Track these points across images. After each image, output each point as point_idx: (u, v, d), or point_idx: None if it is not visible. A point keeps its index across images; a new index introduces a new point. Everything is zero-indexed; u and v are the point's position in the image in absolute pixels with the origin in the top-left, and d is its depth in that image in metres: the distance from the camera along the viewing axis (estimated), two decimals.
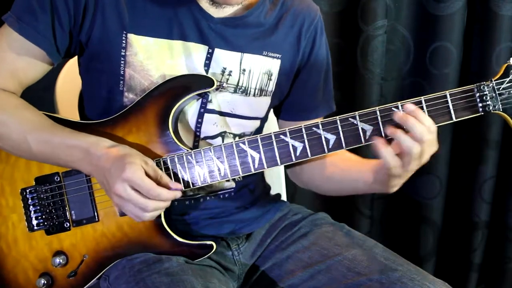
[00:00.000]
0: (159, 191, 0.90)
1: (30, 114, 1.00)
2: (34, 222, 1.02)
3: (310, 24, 1.12)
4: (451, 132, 1.72)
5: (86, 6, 0.97)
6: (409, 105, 0.90)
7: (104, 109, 1.04)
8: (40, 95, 1.33)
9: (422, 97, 0.90)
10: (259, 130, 1.16)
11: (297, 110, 1.18)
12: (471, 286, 1.88)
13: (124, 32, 0.99)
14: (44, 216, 1.01)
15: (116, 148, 0.93)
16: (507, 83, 0.90)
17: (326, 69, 1.18)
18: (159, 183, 0.91)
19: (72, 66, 1.25)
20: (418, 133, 0.88)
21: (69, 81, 1.27)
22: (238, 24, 1.04)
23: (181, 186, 0.94)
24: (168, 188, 0.92)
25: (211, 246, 1.01)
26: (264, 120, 1.16)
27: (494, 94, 0.90)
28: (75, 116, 1.19)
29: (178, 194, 0.93)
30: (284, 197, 1.25)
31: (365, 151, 1.16)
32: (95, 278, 1.01)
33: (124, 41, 0.99)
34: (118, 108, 1.02)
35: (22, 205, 1.02)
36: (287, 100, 1.17)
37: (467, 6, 1.61)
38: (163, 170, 0.96)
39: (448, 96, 0.90)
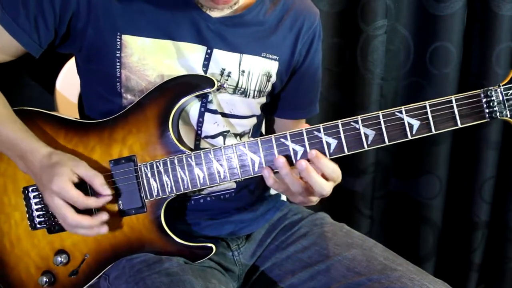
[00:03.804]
0: (87, 201, 0.92)
1: None
2: (36, 220, 1.02)
3: (309, 27, 1.12)
4: (451, 132, 1.72)
5: (77, 10, 0.97)
6: (311, 153, 0.89)
7: (104, 109, 1.04)
8: (40, 95, 1.34)
9: (426, 102, 0.87)
10: (257, 126, 1.17)
11: (285, 108, 1.20)
12: (471, 286, 1.87)
13: (119, 34, 0.99)
14: (46, 215, 1.02)
15: (49, 158, 0.94)
16: None
17: (319, 72, 1.20)
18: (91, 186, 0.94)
19: (72, 66, 1.25)
20: (318, 189, 0.89)
21: (69, 81, 1.27)
22: (236, 23, 1.04)
23: (109, 191, 0.94)
24: (100, 192, 0.94)
25: (211, 248, 1.01)
26: (260, 116, 1.16)
27: (501, 100, 0.87)
28: (75, 116, 1.19)
29: (107, 199, 0.95)
30: (284, 197, 1.25)
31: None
32: (96, 277, 1.02)
33: (118, 43, 0.99)
34: (118, 109, 1.02)
35: (24, 203, 1.03)
36: (278, 98, 1.19)
37: (467, 6, 1.61)
38: (163, 171, 0.97)
39: (453, 101, 0.87)
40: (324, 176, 0.89)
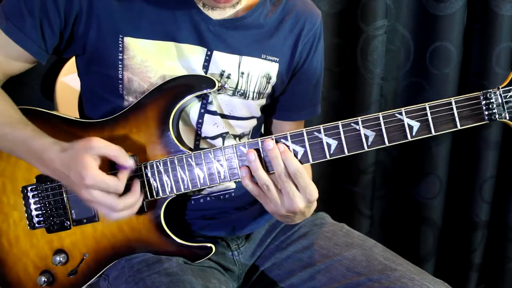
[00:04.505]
0: (123, 183, 0.90)
1: None
2: (35, 220, 1.02)
3: (310, 29, 1.12)
4: (451, 132, 1.71)
5: (80, 12, 0.97)
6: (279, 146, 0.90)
7: (104, 111, 1.04)
8: (40, 94, 1.34)
9: (426, 104, 0.88)
10: (257, 128, 1.17)
11: (282, 110, 1.19)
12: (471, 286, 1.88)
13: (121, 36, 0.98)
14: (45, 215, 1.02)
15: (64, 153, 0.90)
16: None
17: (318, 74, 1.19)
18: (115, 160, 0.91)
19: (72, 66, 1.25)
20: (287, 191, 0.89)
21: (69, 81, 1.27)
22: (237, 25, 1.04)
23: (132, 161, 0.92)
24: (125, 166, 0.91)
25: (210, 248, 1.01)
26: (260, 118, 1.16)
27: (500, 102, 0.88)
28: (75, 116, 1.19)
29: (132, 168, 0.92)
30: None
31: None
32: (95, 277, 1.02)
33: (121, 45, 0.99)
34: (119, 111, 1.02)
35: (23, 203, 1.03)
36: (277, 100, 1.18)
37: (467, 6, 1.61)
38: (163, 171, 0.97)
39: (453, 103, 0.88)
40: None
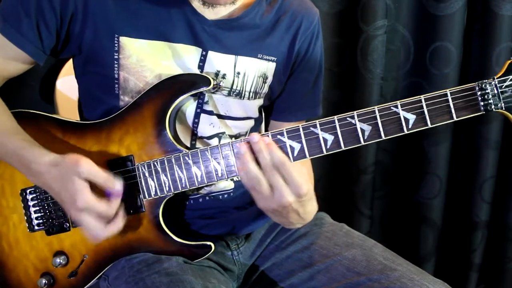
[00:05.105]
0: (114, 208, 0.90)
1: None
2: (34, 222, 1.02)
3: (307, 28, 1.12)
4: (451, 131, 1.72)
5: (75, 12, 0.97)
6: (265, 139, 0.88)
7: (101, 111, 1.04)
8: (40, 95, 1.34)
9: (422, 96, 0.88)
10: (254, 128, 1.17)
11: (279, 111, 1.19)
12: (471, 286, 1.87)
13: (116, 36, 0.99)
14: (44, 217, 1.02)
15: (56, 168, 0.90)
16: (510, 80, 0.87)
17: (316, 73, 1.18)
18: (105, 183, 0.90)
19: (71, 68, 1.25)
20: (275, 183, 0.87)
21: (69, 81, 1.26)
22: (232, 26, 1.04)
23: (119, 186, 0.91)
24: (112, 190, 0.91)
25: (210, 246, 1.01)
26: (258, 119, 1.16)
27: (496, 92, 0.87)
28: (75, 117, 1.19)
29: (120, 195, 0.92)
30: None
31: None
32: (95, 278, 1.02)
33: (116, 45, 0.99)
34: (115, 112, 1.02)
35: (22, 205, 1.02)
36: (273, 100, 1.18)
37: (467, 6, 1.61)
38: (160, 170, 0.97)
39: (448, 94, 0.88)
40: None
